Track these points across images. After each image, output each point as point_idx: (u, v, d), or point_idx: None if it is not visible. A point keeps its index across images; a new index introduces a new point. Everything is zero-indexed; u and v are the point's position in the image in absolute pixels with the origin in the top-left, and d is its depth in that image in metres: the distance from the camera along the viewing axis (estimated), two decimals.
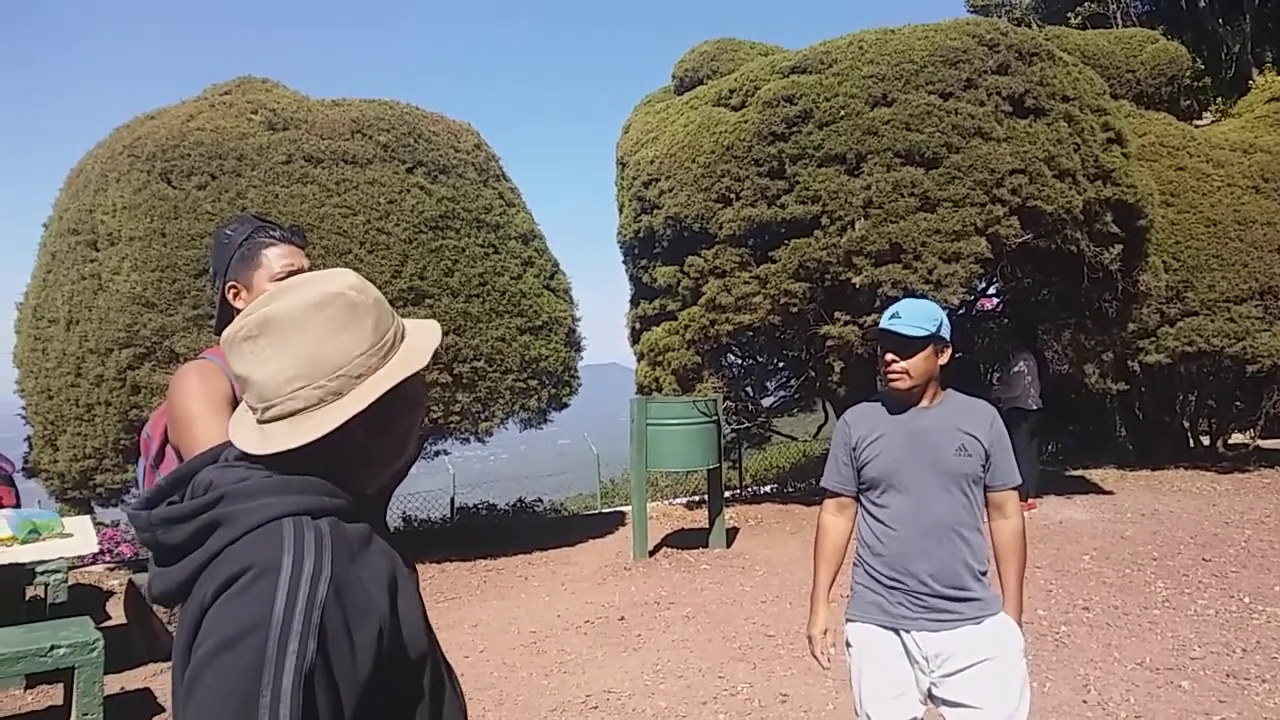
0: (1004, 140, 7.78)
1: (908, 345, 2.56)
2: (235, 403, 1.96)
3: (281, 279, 2.05)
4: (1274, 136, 10.87)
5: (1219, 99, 15.09)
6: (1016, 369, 8.57)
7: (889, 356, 2.59)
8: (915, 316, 2.57)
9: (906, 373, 2.57)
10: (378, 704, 1.06)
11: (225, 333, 1.15)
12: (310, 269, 2.09)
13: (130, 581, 5.48)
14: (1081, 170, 8.01)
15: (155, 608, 5.24)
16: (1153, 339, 9.76)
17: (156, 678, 4.94)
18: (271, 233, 2.12)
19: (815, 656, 2.72)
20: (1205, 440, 12.43)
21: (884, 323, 2.60)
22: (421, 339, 1.21)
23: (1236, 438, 13.06)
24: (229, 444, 1.20)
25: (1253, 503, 8.57)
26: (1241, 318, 9.58)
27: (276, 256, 2.09)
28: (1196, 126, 12.00)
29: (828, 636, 2.73)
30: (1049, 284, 9.35)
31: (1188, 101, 14.16)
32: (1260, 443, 12.36)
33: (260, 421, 1.12)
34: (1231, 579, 6.04)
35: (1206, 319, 9.64)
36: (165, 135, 6.86)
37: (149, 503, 1.13)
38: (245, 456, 1.15)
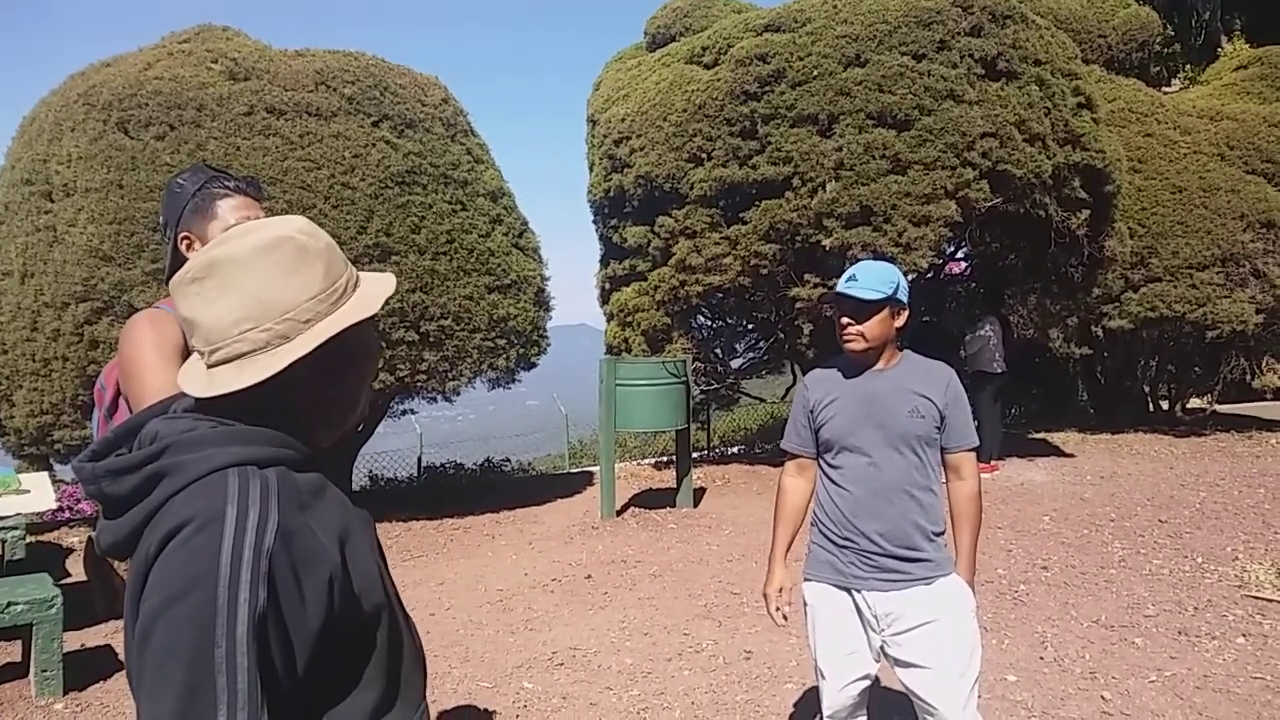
0: (975, 103, 7.76)
1: (862, 308, 2.55)
2: (187, 352, 1.92)
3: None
4: (1241, 104, 10.96)
5: (1188, 66, 15.20)
6: (981, 333, 8.65)
7: (844, 320, 2.59)
8: (871, 279, 2.55)
9: (861, 335, 2.57)
10: (331, 653, 1.06)
11: (176, 275, 1.12)
12: None
13: (90, 538, 5.42)
14: (1051, 134, 8.03)
15: (116, 564, 5.19)
16: (1116, 304, 9.88)
17: (117, 635, 4.90)
18: (226, 183, 2.08)
19: (770, 614, 2.74)
20: (1164, 405, 12.68)
21: (840, 285, 2.59)
22: (374, 288, 1.19)
23: (1194, 402, 13.33)
24: (178, 396, 1.18)
25: (1208, 466, 8.75)
26: (1203, 284, 9.71)
27: (230, 208, 2.05)
28: (1165, 93, 12.08)
29: (784, 595, 2.74)
30: (1016, 249, 9.41)
31: (1157, 68, 14.25)
32: (1217, 407, 12.64)
33: (208, 366, 1.10)
34: (1185, 539, 6.18)
35: (1169, 285, 9.76)
36: (122, 84, 6.66)
37: (96, 455, 1.11)
38: (193, 409, 1.13)
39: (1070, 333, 11.12)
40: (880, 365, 2.63)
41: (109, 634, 4.92)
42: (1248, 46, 13.29)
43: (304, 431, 1.14)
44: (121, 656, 4.53)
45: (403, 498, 8.78)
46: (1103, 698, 3.80)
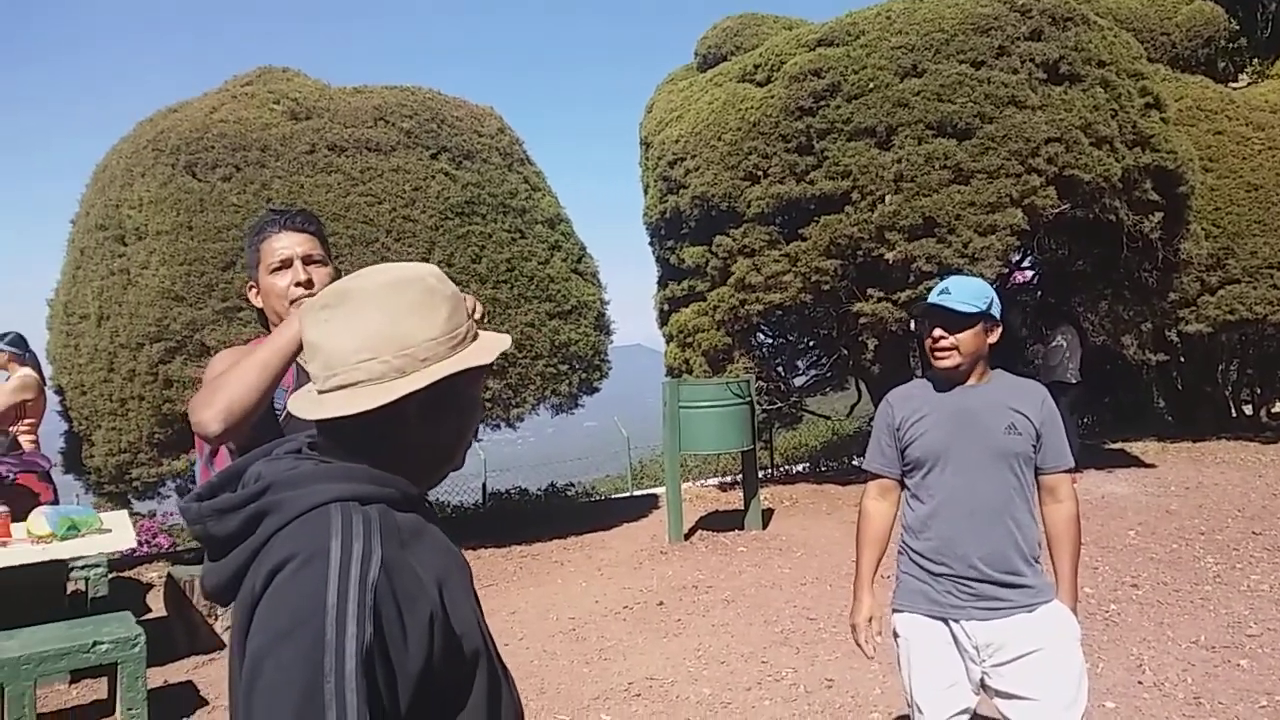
0: (1039, 108, 7.59)
1: (957, 321, 2.46)
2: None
3: (275, 270, 2.04)
4: None
5: (1255, 59, 14.69)
6: (1057, 342, 8.40)
7: (937, 332, 2.49)
8: (965, 293, 2.47)
9: (955, 349, 2.47)
10: (430, 698, 1.03)
11: (306, 301, 1.22)
12: (322, 256, 2.08)
13: (169, 575, 5.50)
14: (1119, 137, 7.81)
15: (195, 600, 5.26)
16: (1193, 308, 9.55)
17: (199, 670, 4.95)
18: (271, 226, 2.08)
19: (859, 645, 2.65)
20: (1248, 410, 12.20)
21: (932, 298, 2.50)
22: (491, 341, 1.22)
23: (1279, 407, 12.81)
24: (281, 441, 1.21)
25: None
26: None
27: (270, 250, 2.06)
28: (1233, 89, 11.69)
29: (873, 624, 2.64)
30: (1086, 254, 9.14)
31: (1224, 63, 13.80)
32: None
33: (320, 392, 1.12)
34: None
35: (1248, 286, 9.42)
36: (189, 128, 6.83)
37: (201, 496, 1.12)
38: (295, 451, 1.15)
39: (1144, 339, 10.75)
40: (973, 381, 2.54)
41: (190, 669, 4.97)
42: None
43: (404, 472, 1.14)
44: (204, 692, 4.58)
45: (470, 525, 8.79)
46: None
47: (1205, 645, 4.44)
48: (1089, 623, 4.81)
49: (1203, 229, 9.20)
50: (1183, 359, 11.49)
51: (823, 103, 7.85)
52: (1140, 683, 4.07)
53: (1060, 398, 8.14)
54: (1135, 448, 10.15)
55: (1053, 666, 2.39)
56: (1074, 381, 8.33)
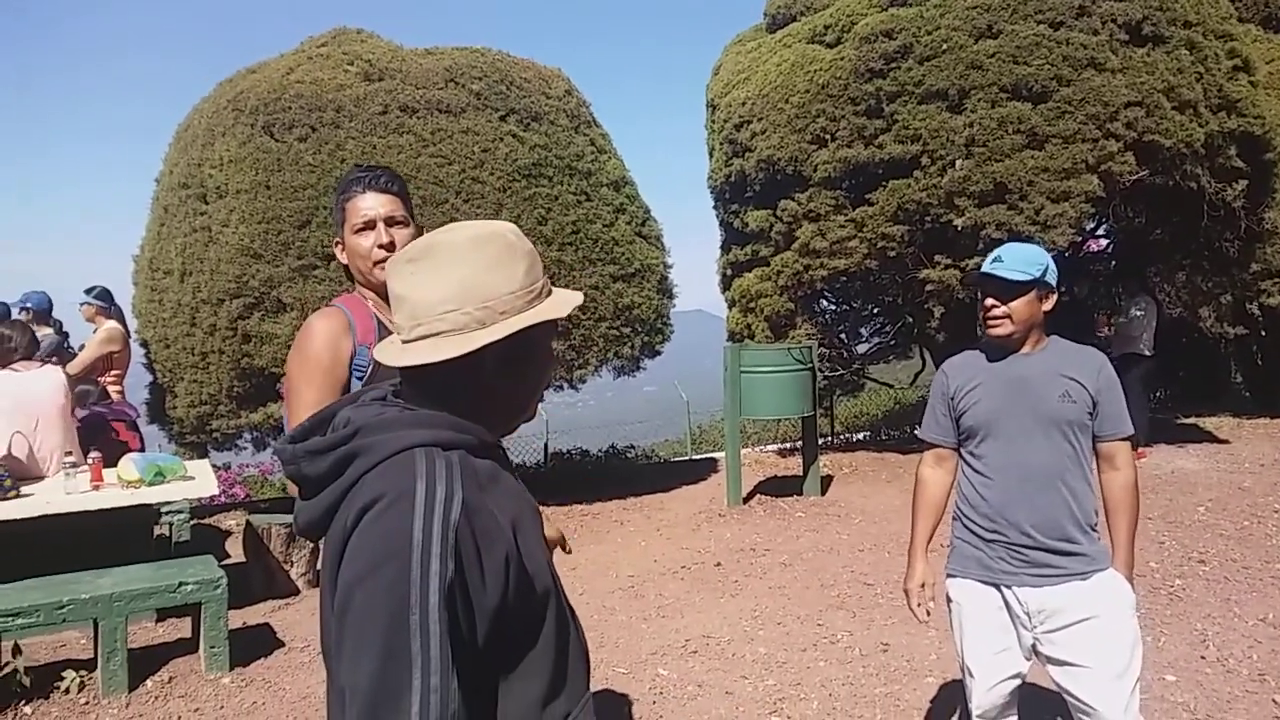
0: (1119, 71, 7.36)
1: (1009, 289, 2.45)
2: (333, 374, 2.02)
3: (359, 230, 2.10)
4: None
5: None
6: (1136, 314, 8.21)
7: (989, 301, 2.49)
8: (1018, 260, 2.46)
9: (1008, 318, 2.47)
10: (504, 635, 1.11)
11: (393, 255, 1.28)
12: (405, 216, 2.13)
13: (248, 522, 5.74)
14: (1204, 101, 7.54)
15: (273, 547, 5.49)
16: (1276, 280, 9.22)
17: (275, 614, 5.18)
18: (355, 185, 2.12)
19: (912, 610, 2.68)
20: None
21: (985, 266, 2.50)
22: (565, 297, 1.27)
23: None
24: (368, 389, 1.28)
25: None
26: None
27: (355, 209, 2.11)
28: None
29: (925, 590, 2.68)
30: (1164, 223, 8.86)
31: None
32: None
33: (405, 341, 1.19)
34: None
35: None
36: (266, 89, 7.00)
37: (294, 439, 1.20)
38: (381, 398, 1.22)
39: (1223, 311, 10.42)
40: (1027, 349, 2.53)
41: (267, 613, 5.20)
42: None
43: (482, 420, 1.20)
44: (280, 635, 4.80)
45: (532, 484, 8.81)
46: (1275, 701, 3.57)
47: (1272, 623, 4.36)
48: (1153, 597, 4.76)
49: None
50: (1263, 333, 11.11)
51: (894, 65, 7.72)
52: (1203, 658, 4.02)
53: (1133, 369, 8.02)
54: (1209, 423, 9.88)
55: (1105, 635, 2.40)
56: (1148, 354, 8.15)
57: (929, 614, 2.69)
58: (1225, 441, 8.95)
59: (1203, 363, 12.56)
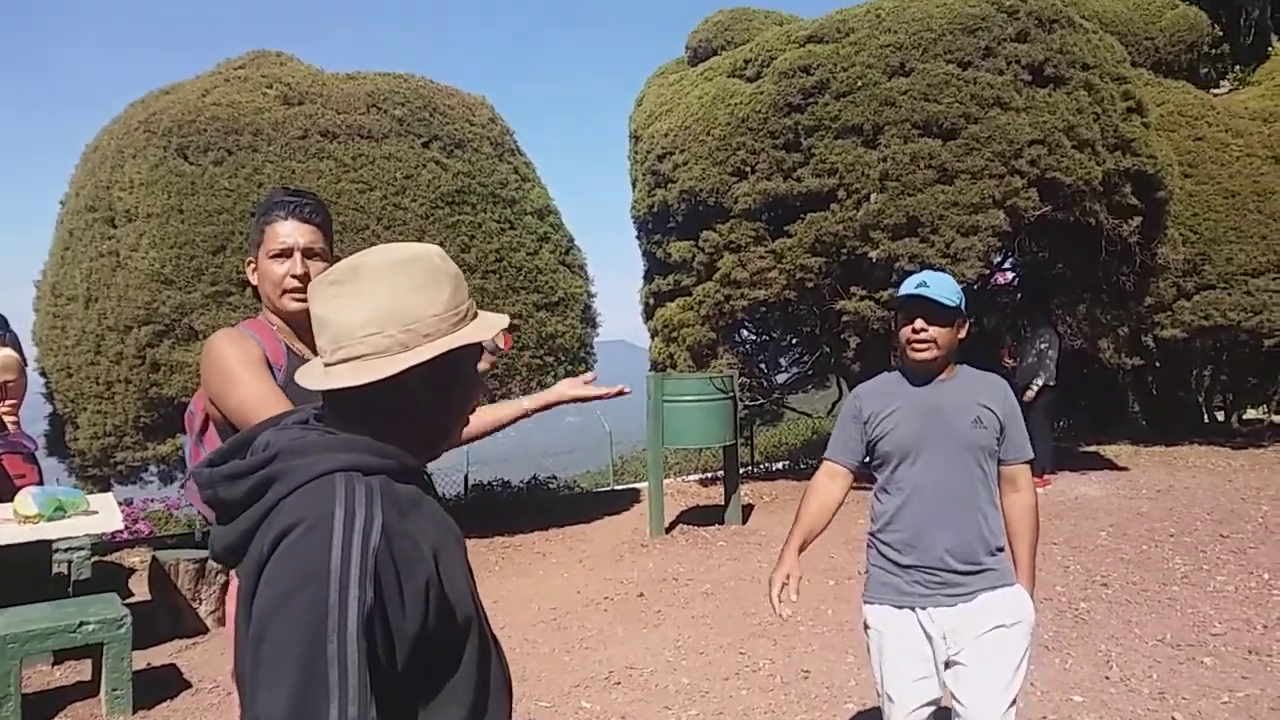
0: (1023, 110, 7.70)
1: (937, 314, 2.49)
2: (267, 363, 1.98)
3: (275, 255, 2.06)
4: None
5: (1238, 66, 14.87)
6: (1037, 345, 8.54)
7: (919, 324, 2.50)
8: (943, 287, 2.50)
9: (935, 342, 2.50)
10: (423, 662, 1.10)
11: (315, 277, 1.25)
12: (323, 249, 2.11)
13: (154, 558, 5.52)
14: (1101, 140, 7.93)
15: (178, 584, 5.29)
16: (1169, 313, 9.71)
17: (181, 654, 4.98)
18: (279, 209, 2.08)
19: (772, 601, 2.59)
20: (1220, 416, 12.40)
21: (911, 289, 2.51)
22: (490, 320, 1.26)
23: (1251, 413, 13.02)
24: (287, 413, 1.26)
25: (1268, 478, 8.55)
26: (1259, 291, 9.52)
27: (273, 234, 2.06)
28: (1215, 95, 11.86)
29: (791, 583, 2.59)
30: (1065, 257, 9.27)
31: (1206, 69, 13.95)
32: (1275, 418, 12.32)
33: (327, 365, 1.18)
34: (1250, 555, 6.04)
35: (1223, 293, 9.59)
36: (181, 110, 6.82)
37: (212, 463, 1.18)
38: (302, 422, 1.21)
39: (1121, 343, 10.92)
40: (944, 376, 2.60)
41: (173, 653, 5.00)
42: None
43: (404, 445, 1.19)
44: (186, 675, 4.61)
45: (453, 516, 8.77)
46: (1174, 718, 3.73)
47: (1171, 643, 4.56)
48: (1059, 620, 4.93)
49: (1180, 234, 9.36)
50: (1158, 364, 11.66)
51: (811, 100, 7.93)
52: (1107, 678, 4.17)
53: (1036, 399, 8.33)
54: (1109, 451, 10.31)
55: (1001, 644, 2.46)
56: (1051, 384, 8.48)
57: (789, 611, 2.62)
58: (1124, 469, 9.35)
59: (1102, 392, 13.12)
